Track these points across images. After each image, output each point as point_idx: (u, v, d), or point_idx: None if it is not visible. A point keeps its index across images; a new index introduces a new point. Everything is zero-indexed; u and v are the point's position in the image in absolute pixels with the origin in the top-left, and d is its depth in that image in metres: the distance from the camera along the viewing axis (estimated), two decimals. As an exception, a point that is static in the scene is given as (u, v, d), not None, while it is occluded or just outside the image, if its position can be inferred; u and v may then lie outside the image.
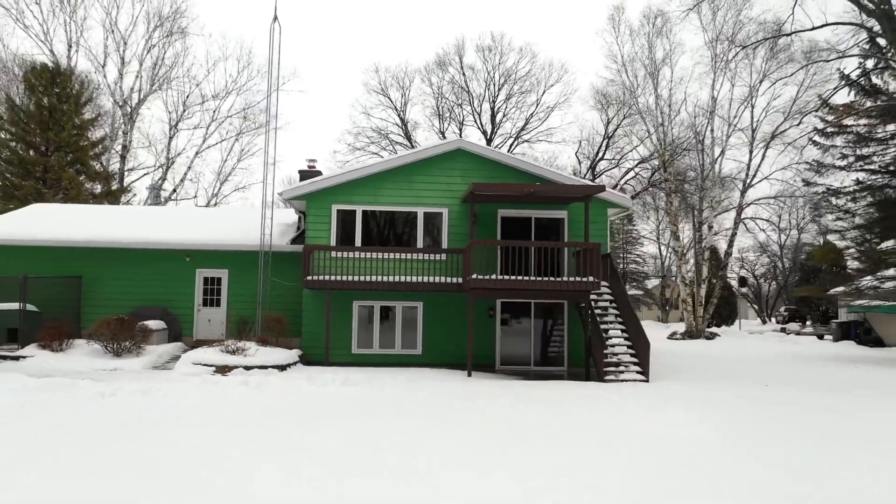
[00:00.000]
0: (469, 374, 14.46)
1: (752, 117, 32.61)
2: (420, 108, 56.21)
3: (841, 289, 27.87)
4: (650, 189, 40.10)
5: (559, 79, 43.03)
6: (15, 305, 15.70)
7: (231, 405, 10.04)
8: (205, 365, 13.84)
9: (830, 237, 24.26)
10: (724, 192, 34.07)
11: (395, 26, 76.74)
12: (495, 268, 16.07)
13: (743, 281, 45.47)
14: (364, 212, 17.01)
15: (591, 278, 14.60)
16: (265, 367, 13.92)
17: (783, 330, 37.77)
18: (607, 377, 13.89)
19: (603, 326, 15.12)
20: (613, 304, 15.91)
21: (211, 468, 6.37)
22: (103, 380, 12.17)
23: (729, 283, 42.36)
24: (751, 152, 32.59)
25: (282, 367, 14.23)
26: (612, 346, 14.69)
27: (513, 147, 42.33)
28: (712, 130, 32.14)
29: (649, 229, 51.89)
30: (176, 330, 17.61)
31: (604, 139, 41.34)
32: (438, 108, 42.68)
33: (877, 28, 21.11)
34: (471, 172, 16.93)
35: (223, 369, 13.68)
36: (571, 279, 14.97)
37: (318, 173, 19.83)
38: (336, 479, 6.10)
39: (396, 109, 43.00)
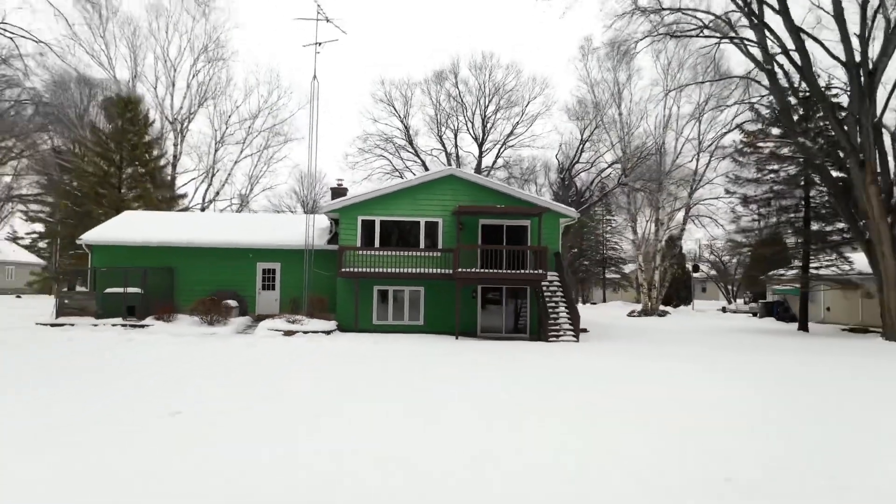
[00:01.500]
0: (457, 338, 20.57)
1: (699, 131, 38.49)
2: (421, 116, 61.88)
3: (762, 276, 33.91)
4: (619, 188, 45.99)
5: (541, 92, 48.88)
6: (135, 290, 21.76)
7: (305, 354, 16.07)
8: (276, 330, 19.94)
9: (742, 237, 30.22)
10: (678, 191, 40.01)
11: (400, 45, 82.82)
12: (476, 263, 22.12)
13: (696, 267, 51.62)
14: (381, 221, 22.99)
15: (540, 271, 20.70)
16: (316, 332, 20.04)
17: (724, 309, 43.96)
18: (550, 338, 20.03)
19: (551, 304, 21.22)
20: (560, 289, 21.99)
21: (322, 378, 12.43)
22: (211, 338, 18.23)
23: (687, 269, 48.43)
24: (697, 160, 38.51)
25: (327, 332, 20.34)
26: (557, 317, 20.81)
27: (501, 151, 48.19)
28: (664, 142, 38.03)
29: (621, 221, 57.71)
30: (244, 307, 23.71)
31: (580, 144, 47.15)
32: (437, 117, 48.47)
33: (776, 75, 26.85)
34: (459, 193, 22.92)
35: (289, 333, 19.79)
36: (529, 271, 21.06)
37: (345, 189, 25.81)
38: (378, 387, 12.12)
39: (399, 117, 48.76)
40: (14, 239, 59.96)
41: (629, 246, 68.96)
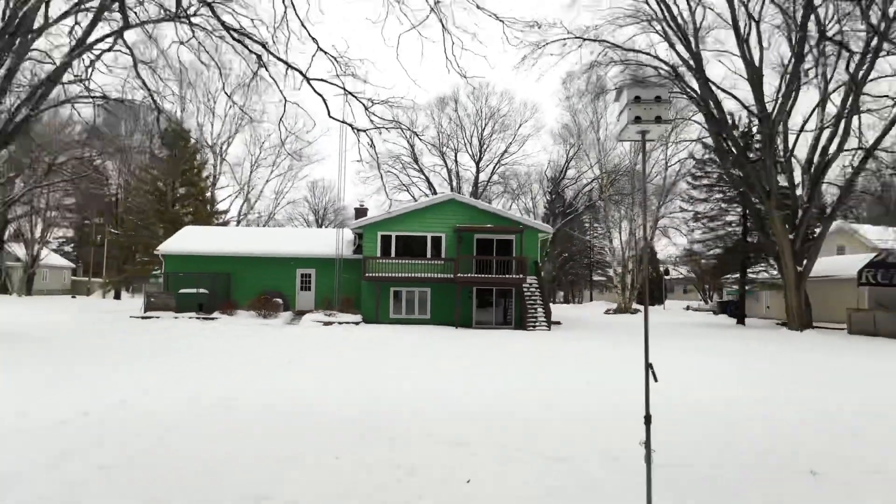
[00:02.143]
0: (456, 328, 26.36)
1: (665, 154, 44.33)
2: (425, 137, 67.78)
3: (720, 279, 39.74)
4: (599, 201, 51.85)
5: (531, 116, 54.88)
6: (203, 290, 27.59)
7: (343, 337, 21.82)
8: (317, 321, 25.77)
9: (698, 246, 36.08)
10: (650, 205, 45.77)
11: (406, 72, 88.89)
12: (472, 269, 27.91)
13: (667, 271, 57.59)
14: (396, 236, 28.78)
15: (521, 276, 26.56)
16: (348, 323, 25.87)
17: (688, 307, 49.81)
18: (528, 328, 25.88)
19: (530, 302, 27.05)
20: (538, 291, 27.82)
21: (365, 350, 18.25)
22: (269, 327, 24.00)
23: (660, 272, 54.32)
24: (664, 179, 44.36)
25: (356, 323, 26.16)
26: (535, 312, 26.63)
27: (496, 168, 54.02)
28: (635, 164, 43.84)
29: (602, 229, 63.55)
30: (286, 304, 29.53)
31: (565, 163, 53.08)
32: (439, 138, 54.34)
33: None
34: (459, 213, 28.73)
35: (327, 323, 25.62)
36: (513, 276, 26.89)
37: (366, 209, 31.67)
38: (405, 357, 17.90)
39: (406, 138, 54.55)
40: (45, 243, 65.73)
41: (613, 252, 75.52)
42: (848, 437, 7.67)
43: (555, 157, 65.34)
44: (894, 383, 12.83)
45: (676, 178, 43.73)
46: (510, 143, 54.26)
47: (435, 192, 51.12)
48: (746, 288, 35.48)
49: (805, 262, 27.77)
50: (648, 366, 4.81)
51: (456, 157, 54.41)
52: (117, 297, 44.38)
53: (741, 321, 33.94)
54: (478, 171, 54.36)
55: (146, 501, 4.95)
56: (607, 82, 35.62)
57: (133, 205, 37.71)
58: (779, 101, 27.59)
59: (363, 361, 14.97)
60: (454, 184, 53.43)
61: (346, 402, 9.26)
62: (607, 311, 44.81)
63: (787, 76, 27.34)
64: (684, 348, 19.24)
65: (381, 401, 9.44)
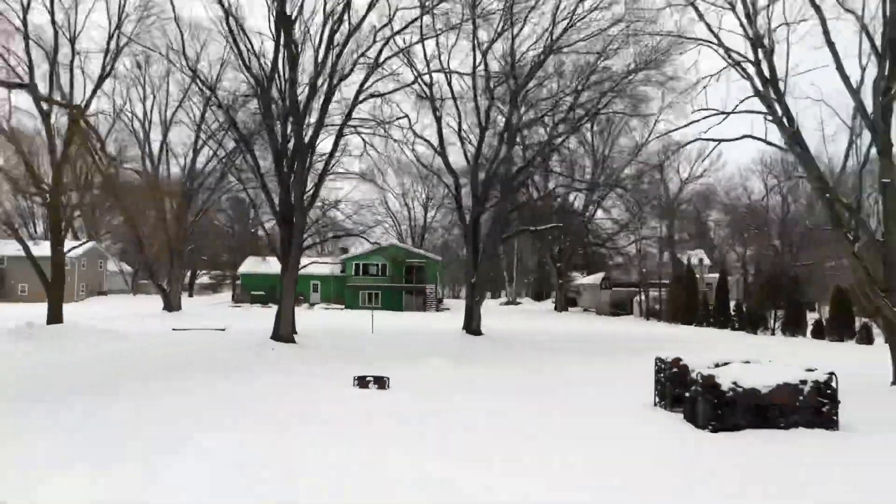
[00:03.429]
0: (398, 311, 52.20)
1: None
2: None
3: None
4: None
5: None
6: (262, 292, 53.28)
7: (337, 315, 47.29)
8: (322, 308, 51.56)
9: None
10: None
11: None
12: (402, 280, 53.73)
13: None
14: (362, 264, 54.43)
15: (424, 284, 52.63)
16: (338, 308, 51.69)
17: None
18: (428, 310, 51.87)
19: (429, 298, 52.96)
20: (433, 292, 53.71)
21: (352, 316, 43.97)
22: (302, 310, 49.62)
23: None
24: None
25: (341, 308, 51.95)
26: (431, 302, 52.49)
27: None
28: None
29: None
30: (307, 300, 55.22)
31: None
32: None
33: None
34: (396, 250, 54.48)
35: (327, 308, 51.36)
36: (423, 285, 52.92)
37: (348, 248, 57.41)
38: (365, 319, 43.59)
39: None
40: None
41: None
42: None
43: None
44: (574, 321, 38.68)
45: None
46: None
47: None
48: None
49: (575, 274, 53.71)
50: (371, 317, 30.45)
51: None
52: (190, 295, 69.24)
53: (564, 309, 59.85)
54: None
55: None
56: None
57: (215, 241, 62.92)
58: None
59: (352, 317, 40.65)
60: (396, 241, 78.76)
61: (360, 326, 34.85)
62: (502, 304, 70.56)
63: None
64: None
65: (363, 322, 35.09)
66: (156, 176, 40.92)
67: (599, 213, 55.09)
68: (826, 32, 14.41)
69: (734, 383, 9.21)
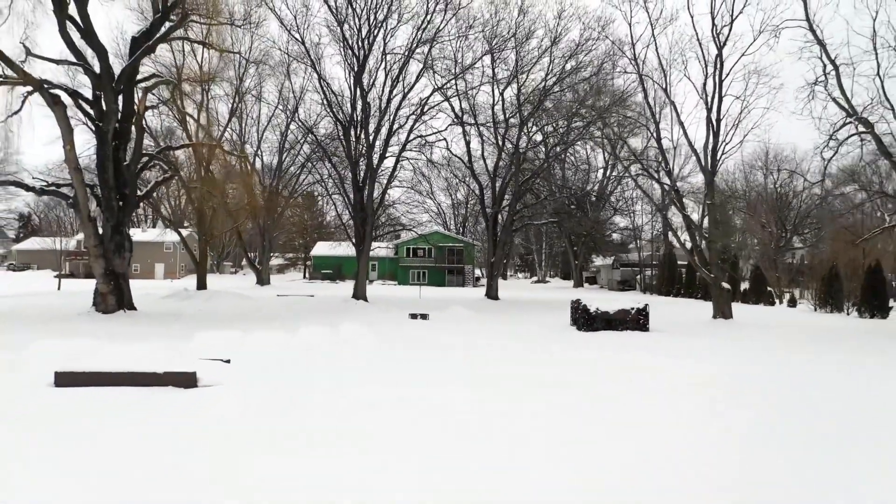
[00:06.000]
0: (441, 286, 61.99)
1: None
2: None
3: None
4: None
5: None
6: (329, 271, 63.90)
7: (396, 289, 57.36)
8: (379, 283, 61.87)
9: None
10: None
11: None
12: (445, 261, 63.49)
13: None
14: (412, 248, 64.33)
15: (462, 265, 62.30)
16: (392, 284, 61.91)
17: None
18: (467, 286, 61.53)
19: (468, 275, 62.60)
20: (471, 271, 63.34)
21: (404, 289, 54.00)
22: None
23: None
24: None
25: (395, 284, 62.14)
26: (468, 279, 62.09)
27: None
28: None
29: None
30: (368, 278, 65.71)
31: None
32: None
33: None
34: (438, 236, 64.25)
35: (384, 284, 61.65)
36: (462, 265, 62.55)
37: (399, 234, 67.51)
38: (414, 291, 53.42)
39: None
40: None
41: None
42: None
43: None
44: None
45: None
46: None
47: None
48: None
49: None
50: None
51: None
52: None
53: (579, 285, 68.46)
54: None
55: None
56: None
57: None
58: None
59: (404, 290, 50.67)
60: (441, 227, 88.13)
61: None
62: (532, 282, 79.42)
63: None
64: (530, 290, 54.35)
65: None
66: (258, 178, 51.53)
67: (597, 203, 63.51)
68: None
69: (596, 308, 18.48)
